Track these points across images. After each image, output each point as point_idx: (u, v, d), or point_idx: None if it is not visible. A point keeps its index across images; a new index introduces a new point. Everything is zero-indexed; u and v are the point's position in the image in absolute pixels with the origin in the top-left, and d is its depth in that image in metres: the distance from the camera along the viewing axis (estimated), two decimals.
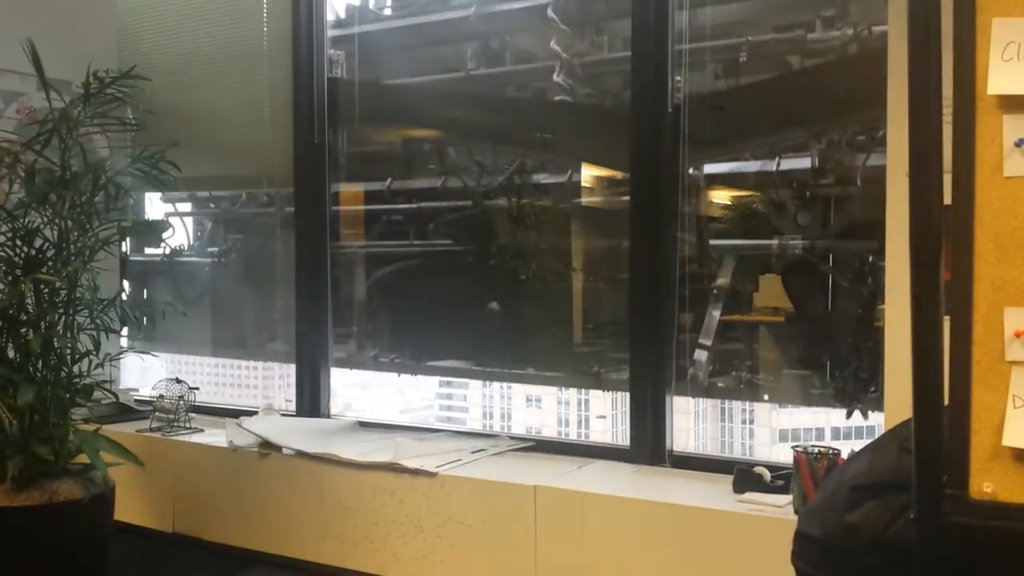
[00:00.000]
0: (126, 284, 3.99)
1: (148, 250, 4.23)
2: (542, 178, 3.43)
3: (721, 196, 3.12)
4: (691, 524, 2.38)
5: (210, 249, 4.11)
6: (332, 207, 3.59)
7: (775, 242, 2.88)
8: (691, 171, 2.93)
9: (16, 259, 2.76)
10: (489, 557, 2.67)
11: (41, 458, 2.69)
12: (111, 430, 3.15)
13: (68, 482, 2.72)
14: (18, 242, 2.76)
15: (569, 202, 3.36)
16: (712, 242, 3.00)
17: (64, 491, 2.68)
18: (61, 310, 2.79)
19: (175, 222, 4.18)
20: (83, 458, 2.76)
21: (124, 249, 3.81)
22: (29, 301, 2.74)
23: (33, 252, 2.77)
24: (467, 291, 3.52)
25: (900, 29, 2.18)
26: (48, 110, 2.77)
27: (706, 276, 2.99)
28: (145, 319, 3.17)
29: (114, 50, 3.84)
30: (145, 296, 4.14)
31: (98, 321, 2.82)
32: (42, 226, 2.80)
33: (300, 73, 3.53)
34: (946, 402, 1.12)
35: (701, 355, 2.94)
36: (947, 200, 1.13)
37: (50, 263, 2.77)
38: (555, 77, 3.41)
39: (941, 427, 1.11)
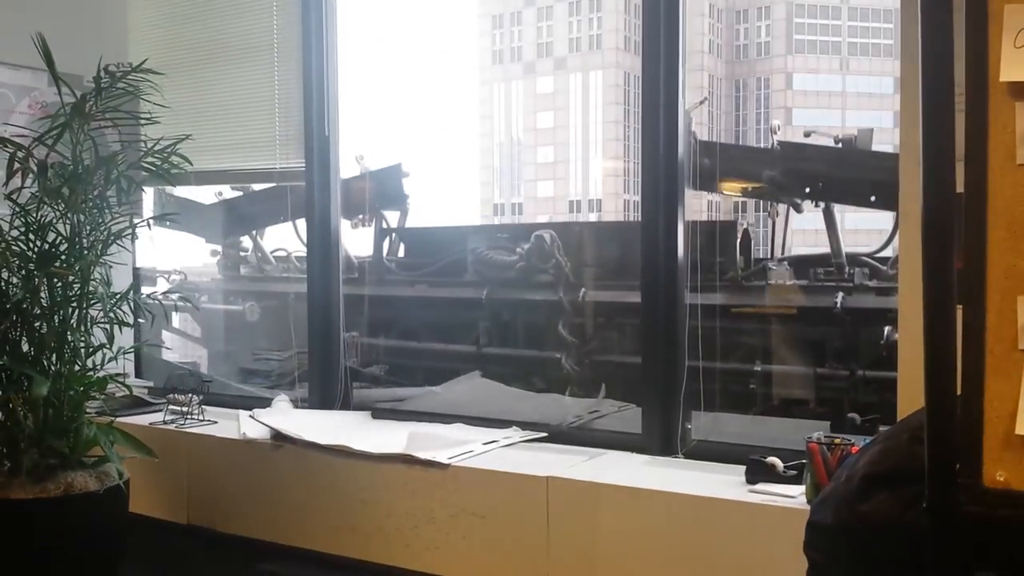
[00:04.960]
0: None
1: None
2: None
3: None
4: (703, 515, 2.38)
5: None
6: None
7: None
8: None
9: (30, 253, 2.78)
10: (502, 548, 2.68)
11: (56, 451, 2.72)
12: (125, 423, 3.18)
13: (83, 474, 2.74)
14: (31, 236, 2.78)
15: None
16: None
17: (79, 483, 2.71)
18: (74, 304, 2.81)
19: None
20: (98, 450, 2.78)
21: None
22: (43, 295, 2.75)
23: (46, 246, 2.79)
24: None
25: (912, 16, 2.17)
26: (60, 104, 2.79)
27: None
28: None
29: (125, 43, 3.85)
30: None
31: (111, 315, 2.84)
32: (55, 220, 2.81)
33: (310, 63, 3.54)
34: (958, 391, 1.11)
35: None
36: (959, 188, 1.12)
37: (63, 257, 2.79)
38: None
39: (954, 416, 1.11)
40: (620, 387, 3.60)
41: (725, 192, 3.64)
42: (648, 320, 2.85)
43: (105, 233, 2.86)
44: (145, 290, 3.18)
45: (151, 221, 3.00)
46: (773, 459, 2.47)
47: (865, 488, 1.29)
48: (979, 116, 1.12)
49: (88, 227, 2.82)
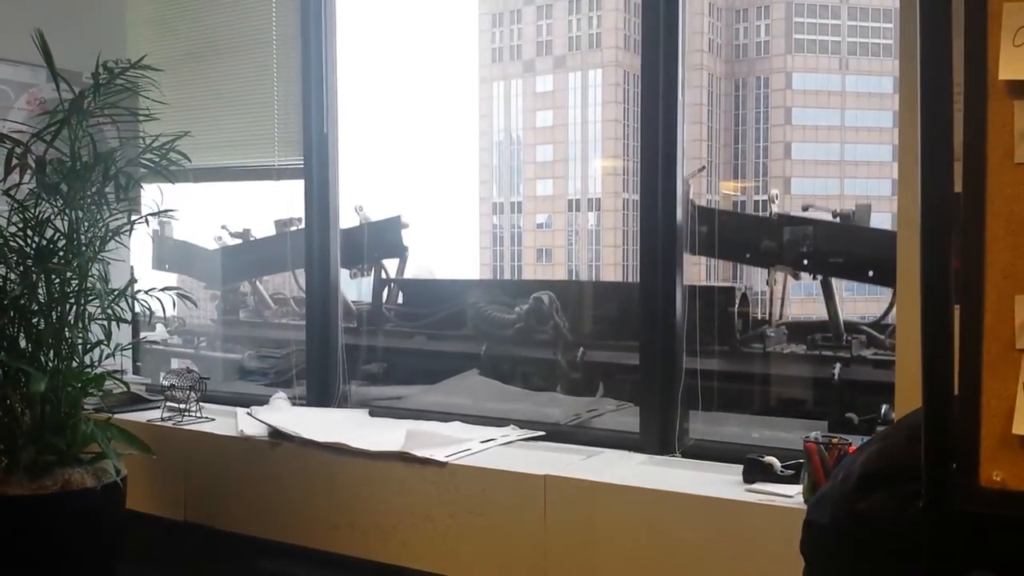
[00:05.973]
0: None
1: None
2: None
3: None
4: (700, 514, 2.38)
5: None
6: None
7: None
8: None
9: (27, 249, 2.78)
10: (499, 546, 2.68)
11: (54, 447, 2.72)
12: (122, 419, 3.18)
13: (80, 471, 2.74)
14: (29, 232, 2.78)
15: None
16: None
17: (76, 480, 2.71)
18: (72, 300, 2.81)
19: None
20: (95, 447, 2.78)
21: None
22: (40, 291, 2.75)
23: (44, 242, 2.79)
24: None
25: (911, 15, 2.18)
26: (58, 101, 2.78)
27: None
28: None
29: (124, 40, 3.85)
30: None
31: (109, 311, 2.84)
32: (53, 217, 2.81)
33: (309, 60, 3.54)
34: (956, 391, 1.11)
35: None
36: (957, 188, 1.12)
37: (61, 253, 2.79)
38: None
39: (951, 416, 1.11)
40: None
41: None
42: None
43: (103, 229, 2.86)
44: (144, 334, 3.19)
45: (149, 218, 2.99)
46: (770, 458, 2.47)
47: (862, 487, 1.29)
48: (977, 115, 1.12)
49: (86, 223, 2.82)
